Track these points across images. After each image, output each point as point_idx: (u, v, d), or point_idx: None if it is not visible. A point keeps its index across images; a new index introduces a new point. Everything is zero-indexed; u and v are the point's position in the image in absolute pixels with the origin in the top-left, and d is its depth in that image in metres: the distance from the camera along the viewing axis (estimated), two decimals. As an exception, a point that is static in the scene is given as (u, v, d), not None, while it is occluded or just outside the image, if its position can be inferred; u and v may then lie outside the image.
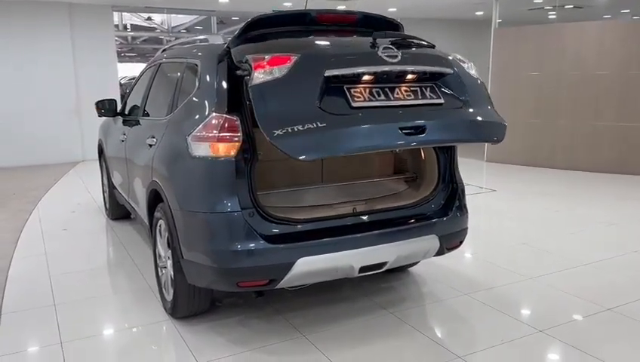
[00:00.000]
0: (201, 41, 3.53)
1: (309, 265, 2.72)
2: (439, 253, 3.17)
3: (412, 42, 3.00)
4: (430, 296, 3.64)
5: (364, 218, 2.96)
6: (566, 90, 8.36)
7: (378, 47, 2.79)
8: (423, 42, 3.07)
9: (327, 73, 2.62)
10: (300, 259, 2.69)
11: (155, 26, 19.56)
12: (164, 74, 4.01)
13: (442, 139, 2.82)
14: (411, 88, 2.82)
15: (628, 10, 12.31)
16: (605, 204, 6.30)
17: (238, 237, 2.67)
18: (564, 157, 8.47)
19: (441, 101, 2.88)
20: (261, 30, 2.93)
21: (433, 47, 3.10)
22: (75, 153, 9.96)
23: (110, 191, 5.41)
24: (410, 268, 4.01)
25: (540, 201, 6.47)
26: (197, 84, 3.07)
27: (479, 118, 2.89)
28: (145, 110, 4.11)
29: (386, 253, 2.93)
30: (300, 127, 2.44)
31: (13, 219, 5.87)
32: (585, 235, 5.07)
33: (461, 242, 3.30)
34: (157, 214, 3.36)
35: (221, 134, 2.67)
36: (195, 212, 2.80)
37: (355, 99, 2.66)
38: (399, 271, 3.92)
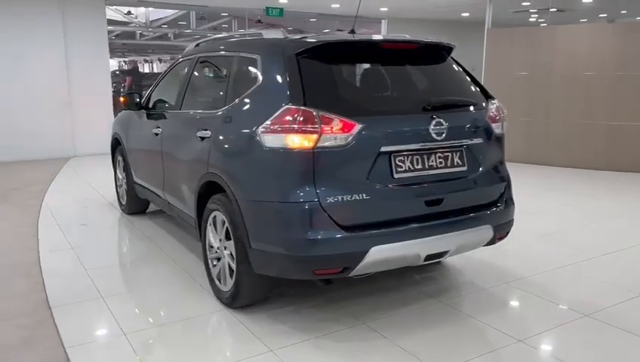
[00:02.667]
0: (251, 35, 3.56)
1: (382, 254, 2.81)
2: (490, 242, 3.31)
3: (460, 108, 3.20)
4: (471, 285, 3.78)
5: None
6: (556, 90, 8.69)
7: (431, 122, 2.96)
8: (472, 103, 3.28)
9: (383, 149, 2.84)
10: (373, 248, 2.77)
11: (134, 21, 19.23)
12: (207, 68, 4.02)
13: (455, 210, 3.08)
14: (444, 155, 3.05)
15: (605, 15, 12.83)
16: (607, 198, 6.61)
17: (315, 225, 2.74)
18: (556, 155, 8.80)
19: (465, 168, 3.12)
20: (327, 49, 3.00)
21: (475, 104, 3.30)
22: (66, 148, 9.74)
23: (129, 185, 5.36)
24: (444, 260, 4.14)
25: (548, 196, 6.75)
26: (260, 77, 3.12)
27: (489, 192, 3.26)
28: (183, 103, 4.11)
29: (450, 242, 3.04)
30: (348, 198, 2.72)
31: (24, 213, 5.75)
32: (598, 227, 5.32)
33: (507, 233, 3.44)
34: (211, 206, 3.39)
35: (298, 126, 2.73)
36: (269, 202, 2.85)
37: (398, 169, 2.89)
38: (436, 262, 4.05)
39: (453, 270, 4.03)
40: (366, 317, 3.23)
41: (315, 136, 2.71)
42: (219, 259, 3.45)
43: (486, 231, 3.20)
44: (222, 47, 3.84)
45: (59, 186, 7.29)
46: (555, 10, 11.52)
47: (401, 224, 2.89)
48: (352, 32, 3.47)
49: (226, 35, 4.03)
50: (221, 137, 3.29)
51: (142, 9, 19.06)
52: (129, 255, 4.41)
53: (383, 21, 13.29)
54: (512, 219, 3.42)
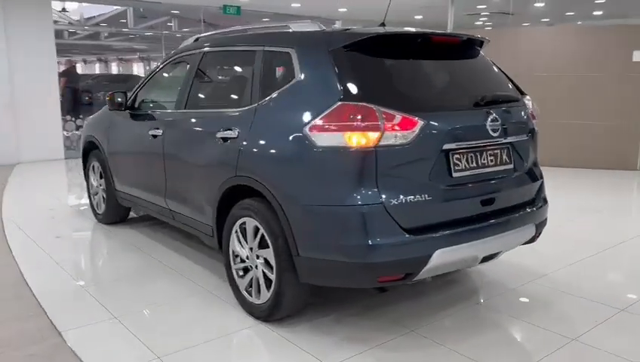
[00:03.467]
0: (279, 28, 3.32)
1: (445, 257, 2.68)
2: (530, 240, 3.26)
3: (508, 104, 3.14)
4: (497, 285, 3.73)
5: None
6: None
7: (487, 118, 2.89)
8: (516, 99, 3.25)
9: (445, 147, 2.71)
10: (437, 251, 2.63)
11: (69, 19, 18.09)
12: (219, 64, 3.73)
13: (505, 209, 3.02)
14: (494, 152, 2.97)
15: (548, 20, 13.44)
16: (591, 195, 6.83)
17: (380, 229, 2.56)
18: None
19: (512, 166, 3.06)
20: (376, 42, 2.82)
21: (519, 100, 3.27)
22: (9, 154, 8.90)
23: (109, 193, 4.92)
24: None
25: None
26: (297, 72, 2.89)
27: (531, 190, 3.23)
28: (188, 102, 3.79)
29: (504, 242, 2.96)
30: (411, 199, 2.58)
31: (-17, 227, 5.16)
32: (586, 221, 5.47)
33: (541, 232, 3.41)
34: (238, 212, 3.13)
35: (358, 123, 2.54)
36: (326, 206, 2.63)
37: (456, 168, 2.78)
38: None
39: (471, 271, 3.97)
40: (410, 324, 3.09)
41: (377, 134, 2.53)
42: (246, 270, 3.19)
43: (529, 230, 3.15)
44: (239, 42, 3.57)
45: (14, 197, 6.62)
46: (507, 13, 11.94)
47: (461, 225, 2.77)
48: (383, 25, 3.32)
49: (239, 28, 3.75)
50: (254, 137, 3.02)
51: (75, 5, 18.00)
52: (125, 268, 4.02)
53: (337, 22, 13.25)
54: (546, 218, 3.40)
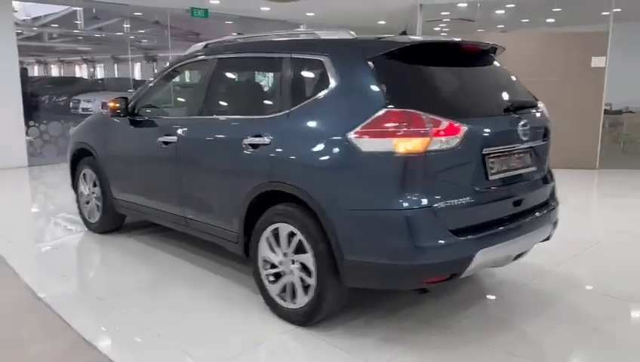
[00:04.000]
0: (306, 35, 3.36)
1: (485, 257, 2.81)
2: (546, 239, 3.45)
3: (531, 109, 3.31)
4: (508, 282, 3.88)
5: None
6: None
7: (518, 123, 3.05)
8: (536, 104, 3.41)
9: (485, 151, 2.85)
10: (479, 251, 2.76)
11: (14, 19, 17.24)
12: (238, 70, 3.71)
13: (530, 209, 3.18)
14: (520, 155, 3.14)
15: (502, 26, 14.01)
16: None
17: (429, 231, 2.66)
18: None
19: (535, 168, 3.25)
20: (413, 50, 2.91)
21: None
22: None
23: (106, 201, 4.79)
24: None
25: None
26: (333, 79, 2.95)
27: (547, 191, 3.41)
28: (204, 109, 3.76)
29: (531, 241, 3.13)
30: (455, 202, 2.71)
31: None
32: (573, 219, 5.77)
33: (555, 230, 3.59)
34: (271, 218, 3.16)
35: (407, 129, 2.63)
36: (374, 210, 2.70)
37: (491, 171, 2.91)
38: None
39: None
40: (440, 322, 3.20)
41: (426, 140, 2.63)
42: (278, 276, 3.21)
43: (548, 229, 3.33)
44: (262, 49, 3.58)
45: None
46: (469, 20, 12.37)
47: (497, 225, 2.91)
48: (404, 33, 3.42)
49: (258, 35, 3.76)
50: (290, 143, 3.06)
51: (20, 5, 17.19)
52: (138, 279, 3.92)
53: (301, 26, 13.33)
54: (558, 218, 3.60)
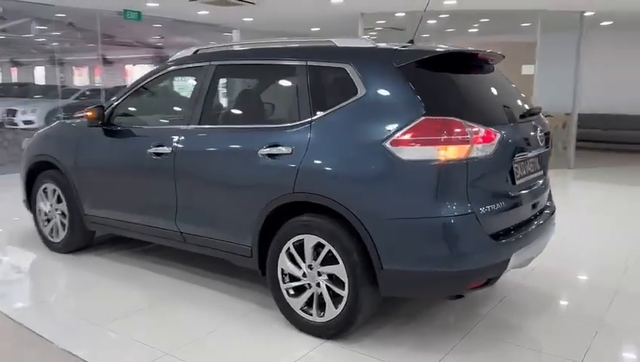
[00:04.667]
0: (323, 42, 3.29)
1: (517, 259, 2.89)
2: None
3: (541, 117, 3.45)
4: (504, 281, 3.98)
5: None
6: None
7: (537, 130, 3.21)
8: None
9: (516, 157, 2.96)
10: (514, 254, 2.84)
11: None
12: (243, 77, 3.55)
13: (541, 212, 3.36)
14: (531, 161, 3.24)
15: (427, 35, 14.60)
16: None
17: (473, 237, 2.70)
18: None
19: (542, 173, 3.41)
20: (439, 59, 2.95)
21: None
22: None
23: (74, 218, 4.40)
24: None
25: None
26: (360, 87, 2.92)
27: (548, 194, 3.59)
28: (202, 117, 3.57)
29: (545, 241, 3.27)
30: (493, 207, 2.79)
31: None
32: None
33: None
34: (294, 230, 3.07)
35: (449, 137, 2.66)
36: (418, 218, 2.70)
37: (517, 175, 3.03)
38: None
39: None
40: (463, 326, 3.26)
41: (467, 147, 2.67)
42: (300, 289, 3.12)
43: (553, 230, 3.50)
44: (271, 56, 3.45)
45: None
46: (399, 29, 12.75)
47: (524, 228, 3.01)
48: (412, 42, 3.46)
49: (264, 41, 3.63)
50: (317, 153, 2.97)
51: None
52: (133, 301, 3.60)
53: (234, 31, 13.07)
54: None
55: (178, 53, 3.99)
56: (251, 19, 11.07)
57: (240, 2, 8.70)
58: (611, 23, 11.21)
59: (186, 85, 4.18)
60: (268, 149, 3.14)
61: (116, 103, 4.12)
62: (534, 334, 3.21)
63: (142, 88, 4.09)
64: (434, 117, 2.70)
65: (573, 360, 2.87)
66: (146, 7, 9.49)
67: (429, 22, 11.66)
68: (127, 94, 4.12)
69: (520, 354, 2.95)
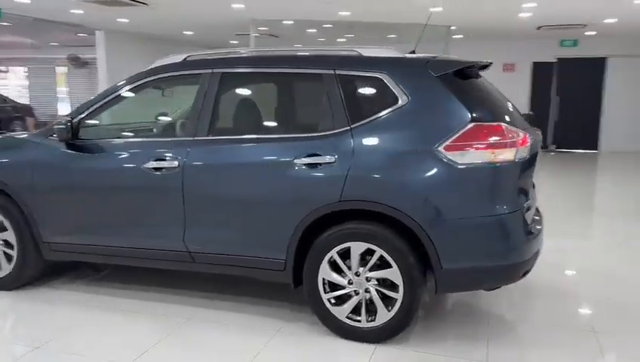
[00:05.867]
0: (347, 52, 3.30)
1: (539, 253, 3.23)
2: None
3: None
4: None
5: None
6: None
7: (540, 133, 3.52)
8: None
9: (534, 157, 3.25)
10: (539, 247, 3.18)
11: None
12: (256, 86, 3.37)
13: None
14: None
15: (300, 45, 15.01)
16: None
17: (524, 231, 2.98)
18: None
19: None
20: (466, 69, 3.17)
21: None
22: None
23: (25, 248, 3.78)
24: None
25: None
26: (400, 95, 3.03)
27: None
28: (211, 128, 3.37)
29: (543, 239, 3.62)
30: (527, 204, 3.08)
31: None
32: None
33: None
34: (338, 239, 3.06)
35: (498, 141, 2.89)
36: (478, 217, 2.89)
37: (534, 176, 3.36)
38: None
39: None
40: (495, 311, 3.55)
41: (514, 150, 2.93)
42: (341, 298, 3.13)
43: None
44: (288, 64, 3.36)
45: None
46: (275, 36, 12.91)
47: (537, 224, 3.35)
48: (413, 52, 3.64)
49: (279, 49, 3.50)
50: (365, 161, 3.00)
51: None
52: (142, 334, 3.24)
53: (97, 32, 12.05)
54: None
55: (162, 60, 3.68)
56: (127, 20, 10.35)
57: (132, 2, 8.12)
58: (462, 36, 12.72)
59: (175, 94, 3.87)
60: (306, 159, 3.09)
61: (85, 115, 3.66)
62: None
63: (117, 98, 3.69)
64: (482, 123, 2.93)
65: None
66: (14, 3, 8.34)
67: (308, 30, 12.04)
68: (98, 105, 3.68)
69: (566, 335, 3.31)
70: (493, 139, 2.90)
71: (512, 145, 2.93)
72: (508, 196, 2.95)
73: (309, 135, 3.20)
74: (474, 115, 2.94)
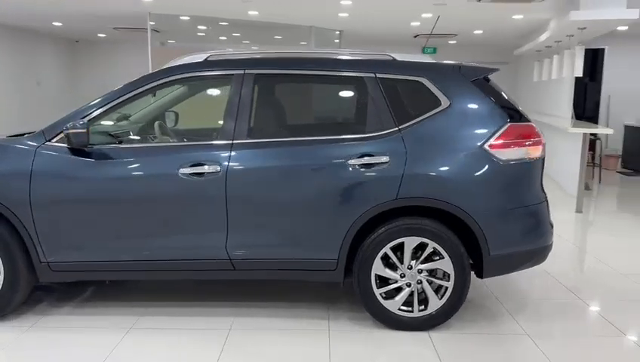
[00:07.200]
0: (381, 56, 3.43)
1: None
2: None
3: None
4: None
5: None
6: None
7: None
8: None
9: None
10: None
11: None
12: (295, 88, 3.32)
13: None
14: None
15: (248, 42, 14.31)
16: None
17: (548, 218, 3.41)
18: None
19: None
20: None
21: None
22: None
23: (16, 271, 3.27)
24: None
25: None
26: (442, 98, 3.28)
27: None
28: (251, 130, 3.29)
29: None
30: (538, 201, 3.41)
31: None
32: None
33: None
34: (391, 235, 3.22)
35: (532, 139, 3.29)
36: (521, 207, 3.27)
37: None
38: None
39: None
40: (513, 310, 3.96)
41: (542, 146, 3.36)
42: (396, 290, 3.30)
43: None
44: (328, 67, 3.38)
45: None
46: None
47: None
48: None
49: (314, 51, 3.50)
50: (419, 160, 3.20)
51: None
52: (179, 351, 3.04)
53: None
54: None
55: (179, 60, 3.47)
56: (60, 24, 9.08)
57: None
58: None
59: (197, 95, 3.63)
60: (360, 160, 3.20)
61: (92, 117, 3.31)
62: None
63: (128, 100, 3.38)
64: (516, 123, 3.31)
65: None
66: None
67: (208, 28, 11.69)
68: (106, 108, 3.35)
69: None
70: (526, 137, 3.30)
71: (540, 142, 3.35)
72: (538, 188, 3.38)
73: (359, 136, 3.30)
74: (509, 115, 3.31)
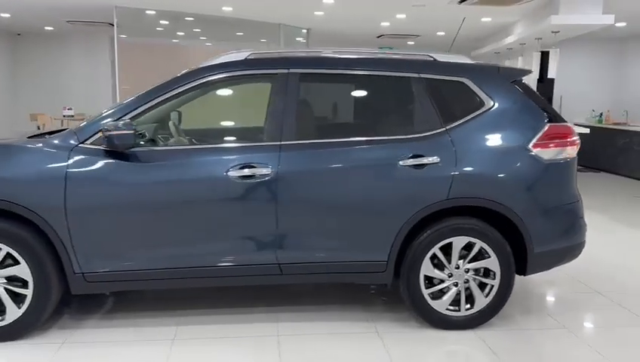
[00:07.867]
0: (423, 56, 3.43)
1: None
2: None
3: None
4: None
5: None
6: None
7: None
8: None
9: None
10: None
11: None
12: (341, 88, 3.25)
13: None
14: None
15: (205, 38, 13.68)
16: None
17: (583, 216, 3.53)
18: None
19: None
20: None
21: None
22: None
23: (47, 284, 3.02)
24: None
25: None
26: (486, 99, 3.33)
27: None
28: (298, 131, 3.21)
29: None
30: (575, 200, 3.53)
31: None
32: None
33: None
34: (444, 234, 3.24)
35: (569, 139, 3.40)
36: (562, 205, 3.37)
37: None
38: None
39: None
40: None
41: (577, 146, 3.47)
42: (443, 290, 3.33)
43: None
44: (373, 67, 3.36)
45: None
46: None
47: None
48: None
49: (347, 50, 3.42)
50: (468, 160, 3.22)
51: None
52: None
53: None
54: None
55: (217, 59, 3.34)
56: (8, 15, 8.39)
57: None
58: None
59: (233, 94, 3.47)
60: (411, 160, 3.19)
61: (133, 116, 3.13)
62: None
63: (165, 101, 3.22)
64: (556, 123, 3.41)
65: None
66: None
67: (161, 22, 11.28)
68: (142, 109, 3.17)
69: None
70: (565, 137, 3.40)
71: (576, 142, 3.48)
72: (574, 187, 3.50)
73: (408, 137, 3.29)
74: (548, 117, 3.40)
